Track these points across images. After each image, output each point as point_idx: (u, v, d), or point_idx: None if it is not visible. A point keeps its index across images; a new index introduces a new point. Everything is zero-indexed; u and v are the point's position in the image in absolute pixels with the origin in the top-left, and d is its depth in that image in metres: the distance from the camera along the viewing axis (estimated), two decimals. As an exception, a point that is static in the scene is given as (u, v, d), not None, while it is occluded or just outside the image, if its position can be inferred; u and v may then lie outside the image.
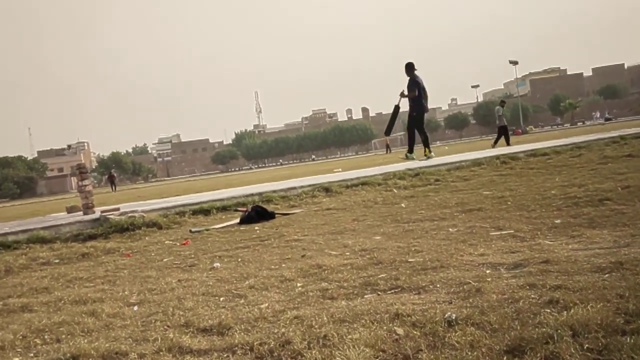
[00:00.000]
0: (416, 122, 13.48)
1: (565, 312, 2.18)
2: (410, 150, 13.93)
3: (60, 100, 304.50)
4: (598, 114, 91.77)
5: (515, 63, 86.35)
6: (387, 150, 55.14)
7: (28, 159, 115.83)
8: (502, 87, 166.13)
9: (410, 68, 13.31)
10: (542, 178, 7.67)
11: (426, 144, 13.70)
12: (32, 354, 2.63)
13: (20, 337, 2.87)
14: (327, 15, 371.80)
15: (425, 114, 13.69)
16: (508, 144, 19.00)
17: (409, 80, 13.27)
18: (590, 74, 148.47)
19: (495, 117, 21.26)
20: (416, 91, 13.11)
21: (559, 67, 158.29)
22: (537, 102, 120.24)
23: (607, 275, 2.66)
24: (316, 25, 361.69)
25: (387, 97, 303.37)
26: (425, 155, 13.45)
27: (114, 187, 47.48)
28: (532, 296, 2.47)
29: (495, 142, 19.94)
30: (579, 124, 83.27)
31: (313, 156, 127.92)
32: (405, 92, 13.33)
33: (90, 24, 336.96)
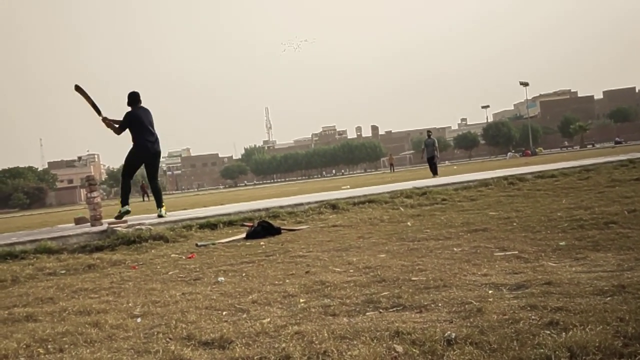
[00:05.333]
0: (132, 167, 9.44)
1: (564, 333, 2.19)
2: (125, 202, 9.16)
3: (72, 112, 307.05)
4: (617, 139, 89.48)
5: (525, 84, 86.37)
6: (391, 169, 55.23)
7: (38, 169, 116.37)
8: (512, 107, 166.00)
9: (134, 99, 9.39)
10: (548, 200, 7.66)
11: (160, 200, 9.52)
12: (35, 363, 2.65)
13: (24, 347, 2.89)
14: (339, 35, 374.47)
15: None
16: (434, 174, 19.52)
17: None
18: (601, 96, 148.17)
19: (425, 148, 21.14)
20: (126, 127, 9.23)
21: (569, 90, 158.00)
22: (547, 124, 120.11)
23: (608, 298, 2.66)
24: (327, 45, 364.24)
25: (397, 115, 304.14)
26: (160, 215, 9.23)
27: (147, 197, 44.05)
28: (533, 317, 2.48)
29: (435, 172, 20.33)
30: (588, 146, 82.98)
31: (323, 172, 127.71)
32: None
33: (92, 38, 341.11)
